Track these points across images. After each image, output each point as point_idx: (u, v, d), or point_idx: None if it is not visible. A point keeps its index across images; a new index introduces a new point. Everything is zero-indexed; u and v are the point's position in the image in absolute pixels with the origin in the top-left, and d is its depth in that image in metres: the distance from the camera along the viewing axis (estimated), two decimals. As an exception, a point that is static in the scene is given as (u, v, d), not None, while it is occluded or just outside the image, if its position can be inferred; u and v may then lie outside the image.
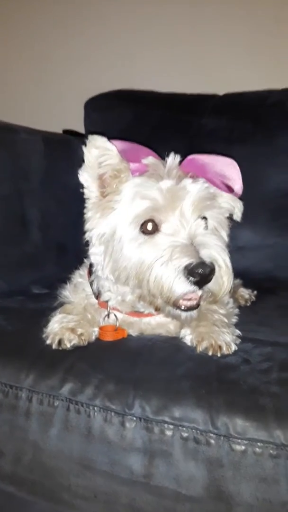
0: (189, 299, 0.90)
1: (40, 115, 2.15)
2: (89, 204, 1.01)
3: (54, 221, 1.54)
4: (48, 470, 0.90)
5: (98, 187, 0.99)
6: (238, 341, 0.99)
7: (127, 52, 2.18)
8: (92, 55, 2.24)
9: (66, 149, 1.64)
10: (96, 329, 1.04)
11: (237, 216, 1.05)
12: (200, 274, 0.86)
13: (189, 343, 0.99)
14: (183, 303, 0.91)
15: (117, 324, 1.04)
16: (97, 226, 1.00)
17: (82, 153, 0.96)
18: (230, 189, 1.00)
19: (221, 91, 1.84)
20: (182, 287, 0.87)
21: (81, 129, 1.95)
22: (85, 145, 0.96)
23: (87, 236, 1.03)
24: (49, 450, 0.89)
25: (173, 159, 1.01)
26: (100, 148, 0.95)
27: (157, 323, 1.07)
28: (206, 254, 0.88)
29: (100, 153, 0.95)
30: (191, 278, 0.86)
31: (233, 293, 1.37)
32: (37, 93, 2.34)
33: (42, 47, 2.32)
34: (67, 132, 1.93)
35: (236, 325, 1.07)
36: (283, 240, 1.64)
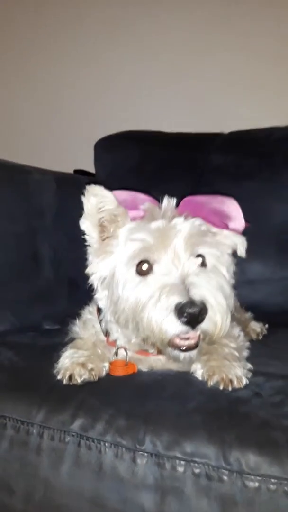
0: (187, 339, 0.89)
1: (52, 156, 2.22)
2: (90, 250, 1.05)
3: (65, 257, 1.57)
4: (59, 508, 0.89)
5: (98, 233, 1.03)
6: (250, 374, 0.99)
7: (134, 95, 2.28)
8: (101, 98, 2.34)
9: (77, 187, 1.67)
10: (107, 364, 1.05)
11: (241, 252, 1.05)
12: (190, 313, 0.85)
13: (200, 378, 0.98)
14: (181, 343, 0.89)
15: (127, 359, 1.05)
16: (97, 270, 1.03)
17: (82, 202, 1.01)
18: (228, 226, 1.01)
19: (226, 130, 1.89)
20: (173, 327, 0.86)
21: (91, 169, 2.01)
22: (84, 195, 1.00)
23: (90, 281, 1.05)
24: (60, 487, 0.88)
25: (168, 201, 1.04)
26: (98, 195, 1.00)
27: (166, 359, 1.07)
28: (197, 293, 0.87)
29: (98, 200, 1.00)
30: (181, 318, 0.85)
31: (244, 326, 1.37)
32: (49, 135, 2.43)
33: (53, 90, 2.44)
34: (78, 172, 2.00)
35: (248, 359, 1.06)
36: (293, 273, 1.64)
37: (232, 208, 1.02)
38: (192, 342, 0.90)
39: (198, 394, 0.93)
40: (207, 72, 2.16)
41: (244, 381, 0.95)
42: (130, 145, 1.95)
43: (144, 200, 1.04)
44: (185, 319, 0.85)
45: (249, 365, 1.02)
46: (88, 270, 1.05)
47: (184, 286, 0.88)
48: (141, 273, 0.95)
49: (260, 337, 1.43)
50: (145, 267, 0.95)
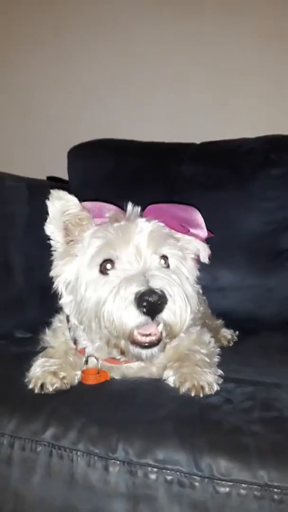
0: (148, 335, 0.90)
1: (25, 163, 2.20)
2: (55, 254, 1.06)
3: (37, 265, 1.55)
4: (30, 520, 0.88)
5: (63, 236, 1.04)
6: (221, 381, 1.00)
7: (109, 103, 2.29)
8: (76, 105, 2.35)
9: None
10: (79, 373, 1.04)
11: (203, 258, 1.07)
12: (149, 302, 0.85)
13: (172, 385, 0.99)
14: (142, 339, 0.90)
15: (99, 367, 1.04)
16: (61, 273, 1.04)
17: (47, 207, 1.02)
18: (189, 230, 1.04)
19: (198, 140, 1.92)
20: (133, 318, 0.87)
21: (64, 176, 2.01)
22: (49, 199, 1.02)
23: (54, 285, 1.06)
24: (31, 498, 0.87)
25: (132, 207, 1.06)
26: (62, 199, 1.02)
27: (138, 367, 1.07)
28: (156, 283, 0.88)
29: (62, 203, 1.02)
30: (140, 307, 0.86)
31: (215, 333, 1.39)
32: (22, 141, 2.42)
33: (27, 97, 2.43)
34: (51, 178, 1.99)
35: (219, 365, 1.08)
36: (262, 281, 1.67)
37: (194, 216, 1.05)
38: (153, 338, 0.90)
39: (170, 401, 0.94)
40: (179, 84, 2.20)
41: (215, 387, 0.96)
42: (104, 153, 1.96)
43: (110, 209, 1.06)
44: (144, 309, 0.86)
45: (220, 372, 1.04)
46: (52, 273, 1.06)
47: (144, 278, 0.89)
48: (103, 272, 0.97)
49: (231, 344, 1.45)
50: (108, 266, 0.97)
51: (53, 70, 2.38)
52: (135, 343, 0.91)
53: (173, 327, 0.91)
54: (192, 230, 1.04)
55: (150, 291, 0.86)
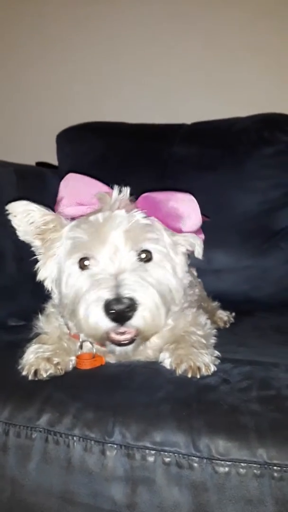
0: (122, 333, 0.90)
1: (13, 148, 2.16)
2: (39, 257, 1.06)
3: (28, 252, 1.52)
4: (28, 507, 0.86)
5: (39, 240, 1.05)
6: (217, 361, 0.99)
7: (97, 86, 2.26)
8: (64, 89, 2.30)
9: (39, 180, 1.66)
10: (73, 358, 1.02)
11: (198, 253, 1.05)
12: (116, 311, 0.86)
13: (168, 367, 0.98)
14: (116, 338, 0.91)
15: (94, 351, 1.03)
16: (47, 274, 1.05)
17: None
18: (181, 230, 1.02)
19: (189, 121, 1.89)
20: (103, 323, 0.87)
21: (54, 161, 1.97)
22: (10, 213, 1.03)
23: (45, 286, 1.07)
24: (29, 485, 0.86)
25: (117, 192, 1.03)
26: (20, 213, 1.02)
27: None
28: (126, 291, 0.87)
29: (22, 216, 1.02)
30: (108, 314, 0.86)
31: (211, 315, 1.38)
32: (9, 126, 2.37)
33: (14, 81, 2.38)
34: (40, 164, 1.95)
35: (215, 347, 1.07)
36: (256, 262, 1.66)
37: (188, 207, 1.01)
38: (127, 336, 0.91)
39: (167, 383, 0.92)
40: (169, 65, 2.16)
41: (212, 368, 0.95)
42: (93, 136, 1.92)
43: (98, 188, 1.04)
44: (112, 316, 0.86)
45: (217, 352, 1.02)
46: (39, 277, 1.06)
47: (116, 282, 0.88)
48: (82, 267, 0.96)
49: (227, 325, 1.44)
50: (86, 262, 0.96)
51: (40, 52, 2.33)
52: (110, 340, 0.92)
53: (145, 332, 0.92)
54: (184, 228, 1.02)
55: (117, 300, 0.86)
